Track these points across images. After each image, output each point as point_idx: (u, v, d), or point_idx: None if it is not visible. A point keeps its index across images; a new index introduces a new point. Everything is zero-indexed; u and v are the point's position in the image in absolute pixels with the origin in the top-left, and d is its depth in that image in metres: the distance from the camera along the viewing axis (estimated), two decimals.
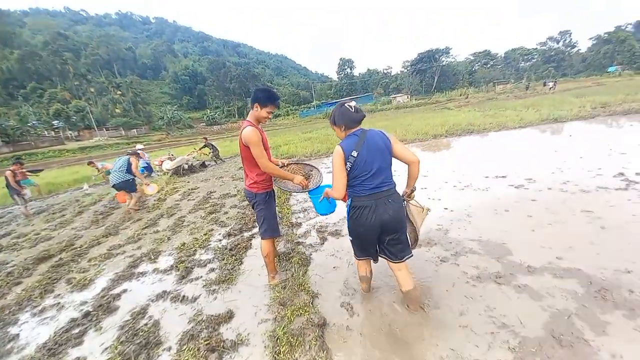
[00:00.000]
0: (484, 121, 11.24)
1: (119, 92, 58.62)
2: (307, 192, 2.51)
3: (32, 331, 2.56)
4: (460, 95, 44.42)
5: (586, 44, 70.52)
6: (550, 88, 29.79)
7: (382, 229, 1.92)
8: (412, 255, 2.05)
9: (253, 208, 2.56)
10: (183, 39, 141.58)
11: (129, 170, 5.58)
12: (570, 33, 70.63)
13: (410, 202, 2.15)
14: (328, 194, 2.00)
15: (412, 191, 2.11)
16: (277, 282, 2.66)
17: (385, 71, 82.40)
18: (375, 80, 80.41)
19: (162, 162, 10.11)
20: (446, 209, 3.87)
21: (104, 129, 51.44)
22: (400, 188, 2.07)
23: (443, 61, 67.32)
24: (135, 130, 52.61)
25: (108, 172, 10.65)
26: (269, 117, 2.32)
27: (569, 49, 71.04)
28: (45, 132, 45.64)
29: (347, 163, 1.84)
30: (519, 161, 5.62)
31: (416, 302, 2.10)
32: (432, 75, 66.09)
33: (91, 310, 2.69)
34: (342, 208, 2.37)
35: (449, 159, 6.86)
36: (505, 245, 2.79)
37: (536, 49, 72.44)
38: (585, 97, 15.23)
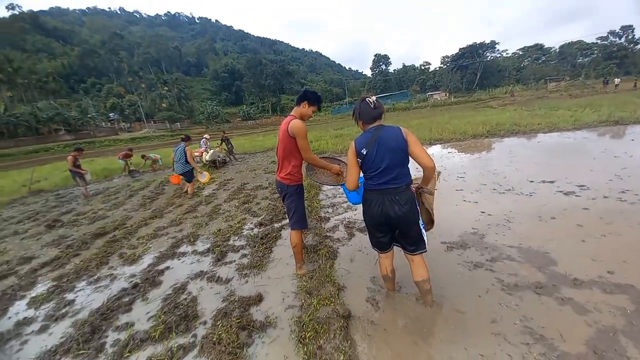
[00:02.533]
0: (532, 121, 10.38)
1: (165, 88, 63.17)
2: (339, 185, 2.66)
3: (87, 297, 2.88)
4: (505, 92, 41.23)
5: None
6: (616, 85, 27.62)
7: (388, 223, 1.96)
8: (425, 250, 2.03)
9: (283, 200, 2.67)
10: (224, 37, 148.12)
11: (187, 160, 6.05)
12: (633, 28, 61.75)
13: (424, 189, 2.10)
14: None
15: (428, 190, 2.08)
16: (304, 272, 2.75)
17: (422, 67, 79.12)
18: (412, 76, 77.58)
19: (202, 153, 10.71)
20: (483, 212, 3.67)
21: (152, 121, 55.89)
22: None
23: (487, 56, 62.91)
24: (178, 123, 56.43)
25: (154, 162, 11.66)
26: (312, 116, 2.55)
27: (632, 45, 62.27)
28: (102, 123, 50.79)
29: (358, 159, 1.91)
30: (570, 166, 5.13)
31: (426, 295, 2.12)
32: (474, 72, 62.13)
33: (139, 282, 2.99)
34: None
35: (489, 160, 6.46)
36: (548, 255, 2.59)
37: (596, 43, 64.63)
38: None
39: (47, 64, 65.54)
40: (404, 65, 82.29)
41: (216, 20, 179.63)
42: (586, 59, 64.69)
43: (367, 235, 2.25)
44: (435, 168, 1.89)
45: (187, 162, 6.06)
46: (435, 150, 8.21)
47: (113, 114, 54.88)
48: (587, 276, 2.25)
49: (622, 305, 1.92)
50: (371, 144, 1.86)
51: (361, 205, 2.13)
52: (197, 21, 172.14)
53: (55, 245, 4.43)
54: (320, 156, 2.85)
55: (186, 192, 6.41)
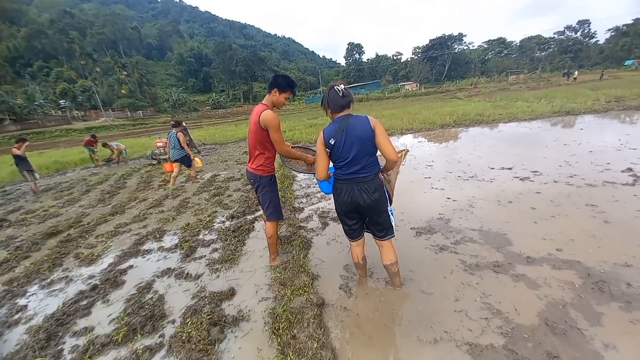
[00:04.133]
0: (494, 112, 11.01)
1: (124, 73, 58.20)
2: (313, 174, 2.62)
3: (41, 302, 2.65)
4: (471, 84, 43.27)
5: (605, 35, 67.24)
6: (574, 78, 30.03)
7: (358, 211, 2.01)
8: (393, 236, 2.10)
9: (256, 191, 2.59)
10: (189, 19, 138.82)
11: (181, 146, 5.97)
12: (589, 23, 67.44)
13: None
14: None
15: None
16: (278, 264, 2.72)
17: (394, 57, 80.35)
18: (384, 66, 78.58)
19: (165, 143, 9.60)
20: (449, 198, 3.86)
21: (110, 109, 51.48)
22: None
23: (455, 48, 65.27)
24: (140, 111, 52.58)
25: (121, 153, 10.64)
26: (285, 103, 2.40)
27: (587, 39, 67.98)
28: (52, 112, 45.85)
29: (327, 149, 1.92)
30: (526, 154, 5.54)
31: (394, 277, 2.23)
32: (443, 63, 64.32)
33: (99, 283, 2.79)
34: None
35: (455, 149, 6.78)
36: (505, 236, 2.80)
37: (553, 38, 69.61)
38: (600, 90, 14.77)
39: None
40: (377, 55, 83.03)
41: (180, 0, 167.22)
42: (543, 53, 69.42)
43: (341, 225, 2.28)
44: (396, 161, 1.95)
45: (182, 147, 5.96)
46: (407, 140, 8.45)
47: (64, 101, 49.59)
48: (538, 254, 2.46)
49: (570, 280, 2.13)
50: (339, 134, 1.85)
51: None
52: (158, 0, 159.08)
53: (3, 247, 3.99)
54: (293, 145, 2.78)
55: (194, 175, 6.44)
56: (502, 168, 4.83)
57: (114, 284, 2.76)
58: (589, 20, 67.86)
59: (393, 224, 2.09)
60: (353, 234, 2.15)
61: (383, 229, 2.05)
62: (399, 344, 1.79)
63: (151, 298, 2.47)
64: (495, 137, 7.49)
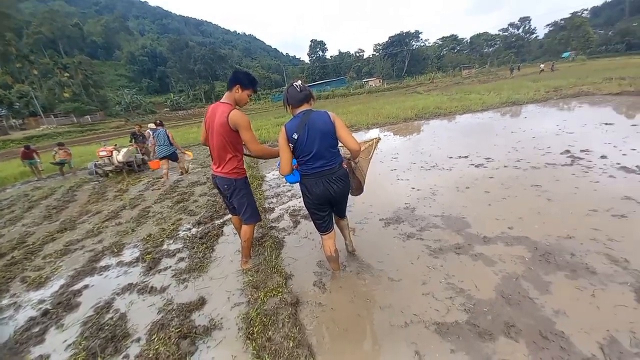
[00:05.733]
0: (450, 105, 11.71)
1: (66, 74, 52.46)
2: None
3: None
4: (429, 79, 45.61)
5: (545, 30, 74.44)
6: (519, 69, 34.52)
7: (330, 201, 2.14)
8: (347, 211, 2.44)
9: (230, 197, 2.45)
10: (138, 15, 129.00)
11: (170, 142, 6.30)
12: (530, 20, 74.06)
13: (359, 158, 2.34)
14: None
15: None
16: (249, 267, 2.66)
17: (357, 54, 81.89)
18: (348, 63, 79.79)
19: (111, 152, 7.93)
20: (413, 188, 4.05)
21: (52, 115, 46.27)
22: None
23: (413, 45, 68.23)
24: (88, 116, 47.88)
25: (67, 163, 9.42)
26: (248, 100, 2.31)
27: (528, 35, 74.70)
28: None
29: (290, 144, 1.96)
30: (480, 142, 5.97)
31: (344, 230, 2.54)
32: (402, 60, 66.90)
33: (50, 308, 2.52)
34: None
35: (418, 141, 7.12)
36: (464, 219, 3.00)
37: (499, 34, 75.48)
38: (540, 82, 16.36)
39: None
40: (340, 52, 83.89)
41: None
42: (491, 49, 75.10)
43: (312, 223, 2.31)
44: (360, 150, 2.09)
45: (171, 144, 6.30)
46: (373, 134, 8.68)
47: None
48: (493, 233, 2.67)
49: (521, 255, 2.34)
50: (302, 128, 1.91)
51: (302, 193, 2.17)
52: None
53: None
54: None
55: (186, 167, 6.87)
56: (460, 157, 5.17)
57: (67, 307, 2.51)
58: (529, 17, 74.32)
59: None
60: (324, 225, 2.21)
61: (344, 210, 2.35)
62: (373, 331, 1.85)
63: (111, 318, 2.28)
64: (453, 129, 7.98)
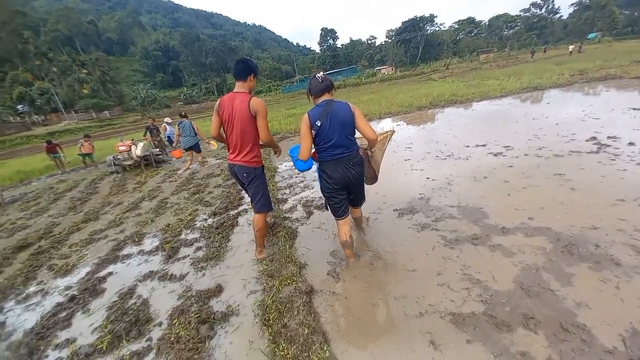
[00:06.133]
0: (467, 91, 11.29)
1: (84, 71, 54.16)
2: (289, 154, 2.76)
3: (19, 318, 2.53)
4: (444, 65, 43.98)
5: (569, 10, 69.85)
6: (542, 53, 33.86)
7: (347, 186, 2.22)
8: (365, 201, 2.51)
9: (248, 184, 2.48)
10: (150, 9, 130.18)
11: (196, 133, 6.55)
12: None
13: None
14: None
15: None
16: (264, 256, 2.71)
17: (369, 42, 79.82)
18: (359, 51, 78.00)
19: (130, 147, 7.91)
20: (428, 178, 3.96)
21: (73, 111, 48.02)
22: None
23: (428, 30, 65.72)
24: (107, 111, 49.40)
25: (89, 157, 9.70)
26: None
27: (551, 15, 70.30)
28: (11, 118, 42.18)
29: (312, 130, 2.04)
30: (498, 130, 5.75)
31: (360, 223, 2.79)
32: (416, 46, 64.69)
33: (77, 294, 2.67)
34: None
35: (432, 130, 6.92)
36: (482, 210, 2.92)
37: (520, 15, 71.41)
38: (564, 65, 15.48)
39: None
40: (351, 40, 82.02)
41: None
42: (511, 31, 71.26)
43: (325, 210, 2.40)
44: (377, 139, 2.15)
45: (196, 134, 6.55)
46: (386, 124, 8.52)
47: (22, 105, 45.60)
48: (512, 224, 2.59)
49: (541, 246, 2.26)
50: (324, 117, 2.01)
51: (318, 179, 2.28)
52: None
53: None
54: None
55: (198, 163, 7.01)
56: (477, 145, 5.00)
57: (93, 293, 2.65)
58: None
59: (365, 193, 2.45)
60: (341, 210, 2.26)
61: (361, 199, 2.44)
62: (387, 320, 1.85)
63: (135, 303, 2.40)
64: (470, 116, 7.70)
